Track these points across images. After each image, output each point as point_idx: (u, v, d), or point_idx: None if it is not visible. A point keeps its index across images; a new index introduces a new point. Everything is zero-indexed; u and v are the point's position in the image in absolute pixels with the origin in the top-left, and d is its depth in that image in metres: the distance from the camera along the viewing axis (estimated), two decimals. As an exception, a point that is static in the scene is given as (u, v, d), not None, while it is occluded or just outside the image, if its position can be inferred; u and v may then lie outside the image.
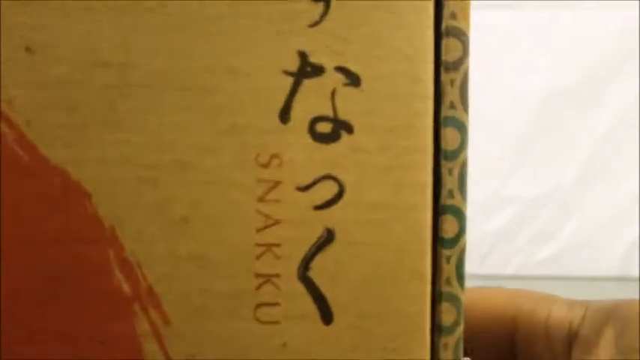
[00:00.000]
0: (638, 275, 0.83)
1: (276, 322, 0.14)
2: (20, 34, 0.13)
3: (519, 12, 0.82)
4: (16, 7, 0.13)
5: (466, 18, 0.14)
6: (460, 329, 0.14)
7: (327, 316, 0.14)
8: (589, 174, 0.85)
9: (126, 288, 0.14)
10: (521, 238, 0.85)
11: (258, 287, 0.14)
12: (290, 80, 0.14)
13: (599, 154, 0.85)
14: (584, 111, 0.84)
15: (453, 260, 0.14)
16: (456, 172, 0.14)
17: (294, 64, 0.14)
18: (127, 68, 0.14)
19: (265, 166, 0.14)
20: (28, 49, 0.13)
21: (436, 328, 0.14)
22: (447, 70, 0.14)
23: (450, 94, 0.14)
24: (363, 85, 0.14)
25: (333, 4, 0.14)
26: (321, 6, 0.14)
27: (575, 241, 0.86)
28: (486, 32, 0.86)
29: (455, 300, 0.14)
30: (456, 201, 0.14)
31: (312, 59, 0.14)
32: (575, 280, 0.83)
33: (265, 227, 0.14)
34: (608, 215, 0.85)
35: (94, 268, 0.14)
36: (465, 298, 0.14)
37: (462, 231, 0.14)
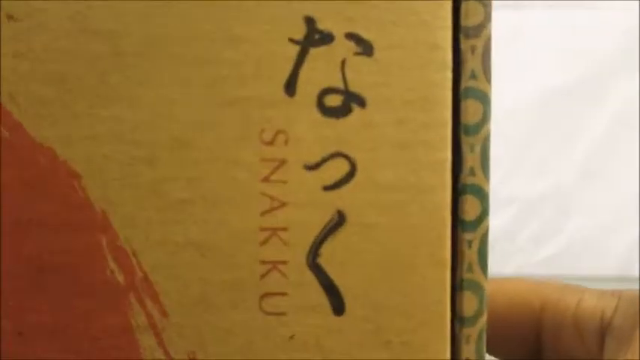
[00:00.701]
0: (638, 275, 0.82)
1: (283, 314, 0.13)
2: (1, 0, 0.12)
3: (519, 12, 0.81)
4: None
5: None
6: (483, 320, 0.13)
7: (338, 307, 0.13)
8: (589, 174, 0.85)
9: (120, 278, 0.13)
10: (521, 238, 0.84)
11: (264, 275, 0.13)
12: (296, 49, 0.13)
13: (600, 154, 0.85)
14: (585, 111, 0.84)
15: (475, 244, 0.13)
16: (477, 148, 0.13)
17: (300, 31, 0.13)
18: (118, 36, 0.12)
19: (270, 143, 0.13)
20: (9, 17, 0.12)
21: (457, 319, 0.13)
22: (467, 36, 0.13)
23: (471, 63, 0.13)
24: (376, 53, 0.13)
25: None
26: None
27: (575, 241, 0.86)
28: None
29: (477, 288, 0.13)
30: (477, 179, 0.13)
31: (320, 26, 0.13)
32: (575, 280, 0.82)
33: (270, 210, 0.13)
34: (608, 215, 0.85)
35: (85, 257, 0.13)
36: (487, 286, 0.13)
37: (484, 212, 0.13)
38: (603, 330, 0.16)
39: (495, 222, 0.86)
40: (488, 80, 0.13)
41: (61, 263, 0.13)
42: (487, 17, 0.13)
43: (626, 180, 0.84)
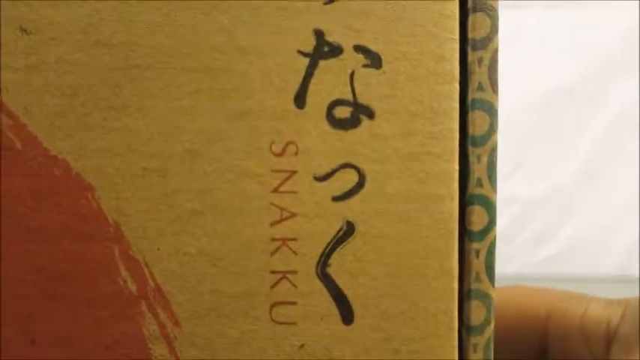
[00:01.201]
0: (638, 275, 0.82)
1: (293, 323, 0.13)
2: (14, 12, 0.12)
3: (519, 12, 0.81)
4: None
5: None
6: (490, 328, 0.13)
7: (347, 316, 0.13)
8: (589, 174, 0.85)
9: (132, 287, 0.13)
10: (521, 238, 0.84)
11: (274, 285, 0.13)
12: (305, 61, 0.13)
13: (600, 154, 0.85)
14: (585, 111, 0.84)
15: (482, 254, 0.13)
16: (484, 159, 0.13)
17: (309, 44, 0.13)
18: (130, 48, 0.12)
19: (280, 154, 0.13)
20: (23, 30, 0.12)
21: (464, 328, 0.13)
22: (475, 48, 0.13)
23: (478, 75, 0.13)
24: (385, 66, 0.13)
25: None
26: None
27: (575, 241, 0.86)
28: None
29: (485, 297, 0.13)
30: (484, 190, 0.13)
31: (329, 38, 0.13)
32: (575, 280, 0.82)
33: (280, 220, 0.13)
34: (608, 215, 0.85)
35: (98, 267, 0.13)
36: (495, 295, 0.13)
37: (491, 222, 0.13)
38: (609, 337, 0.16)
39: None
40: (495, 92, 0.13)
41: (74, 272, 0.13)
42: (494, 29, 0.13)
43: (626, 180, 0.84)
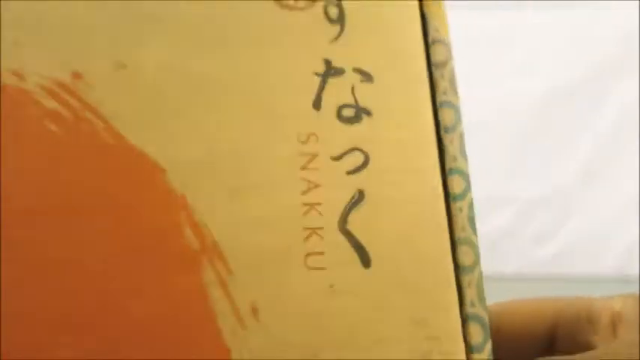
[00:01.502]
0: (638, 275, 0.82)
1: (323, 268, 0.17)
2: (113, 51, 0.17)
3: (520, 12, 0.81)
4: (111, 26, 0.18)
5: (446, 30, 0.19)
6: (479, 269, 0.18)
7: (366, 261, 0.17)
8: (589, 174, 0.85)
9: (195, 244, 0.17)
10: (521, 238, 0.84)
11: (306, 239, 0.17)
12: (319, 79, 0.18)
13: (600, 154, 0.85)
14: (585, 111, 0.84)
15: (464, 210, 0.18)
16: (456, 142, 0.18)
17: (321, 68, 0.18)
18: (205, 77, 0.18)
19: (305, 142, 0.18)
20: (119, 64, 0.17)
21: (459, 269, 0.18)
22: (437, 67, 0.19)
23: (442, 84, 0.19)
24: (375, 80, 0.18)
25: (347, 24, 0.19)
26: (337, 27, 0.19)
27: (575, 241, 0.86)
28: (487, 32, 0.86)
29: (470, 244, 0.18)
30: (459, 163, 0.18)
31: (335, 64, 0.18)
32: (575, 280, 0.83)
33: (308, 190, 0.17)
34: (608, 215, 0.85)
35: (169, 230, 0.16)
36: (479, 246, 0.18)
37: (467, 187, 0.18)
38: (614, 321, 0.18)
39: (495, 222, 0.86)
40: (456, 94, 0.19)
41: (150, 236, 0.16)
42: (449, 55, 0.19)
43: (626, 180, 0.84)
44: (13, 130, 0.16)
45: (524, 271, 0.84)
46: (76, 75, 0.17)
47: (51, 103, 0.17)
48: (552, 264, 0.85)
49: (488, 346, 0.17)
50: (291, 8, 0.19)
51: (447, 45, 0.19)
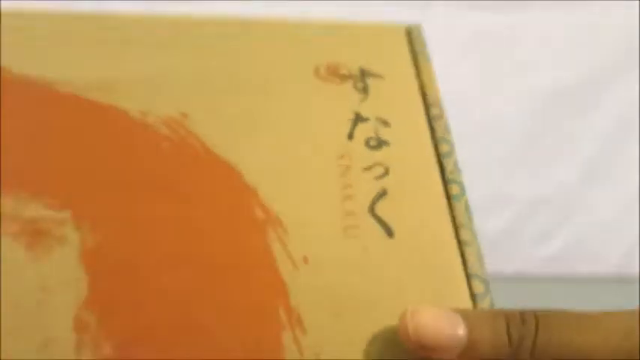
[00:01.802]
0: (638, 275, 0.82)
1: (358, 237, 0.26)
2: (209, 98, 0.30)
3: (520, 12, 0.81)
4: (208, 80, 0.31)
5: (435, 88, 0.32)
6: (477, 244, 0.27)
7: (389, 233, 0.26)
8: (589, 174, 0.85)
9: (262, 216, 0.26)
10: (521, 238, 0.84)
11: (344, 217, 0.26)
12: (351, 124, 0.30)
13: (600, 154, 0.85)
14: (585, 111, 0.84)
15: (462, 204, 0.28)
16: (451, 165, 0.29)
17: (352, 117, 0.30)
18: (266, 115, 0.30)
19: (341, 157, 0.29)
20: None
21: (458, 242, 0.27)
22: (432, 105, 0.32)
23: (439, 127, 0.31)
24: (391, 125, 0.30)
25: (371, 91, 0.31)
26: (362, 92, 0.31)
27: (575, 241, 0.86)
28: (487, 32, 0.86)
29: (468, 227, 0.27)
30: (455, 175, 0.29)
31: (362, 115, 0.30)
32: (575, 280, 0.83)
33: (345, 187, 0.27)
34: (608, 215, 0.85)
35: (242, 210, 0.26)
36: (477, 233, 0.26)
37: (462, 191, 0.28)
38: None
39: (495, 222, 0.86)
40: (449, 133, 0.30)
41: (227, 217, 0.26)
42: (442, 112, 0.31)
43: (626, 180, 0.84)
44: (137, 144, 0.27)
45: (524, 271, 0.84)
46: (183, 115, 0.28)
47: (164, 130, 0.27)
48: (552, 264, 0.85)
49: (489, 297, 0.24)
50: (330, 82, 0.31)
51: (440, 107, 0.31)
